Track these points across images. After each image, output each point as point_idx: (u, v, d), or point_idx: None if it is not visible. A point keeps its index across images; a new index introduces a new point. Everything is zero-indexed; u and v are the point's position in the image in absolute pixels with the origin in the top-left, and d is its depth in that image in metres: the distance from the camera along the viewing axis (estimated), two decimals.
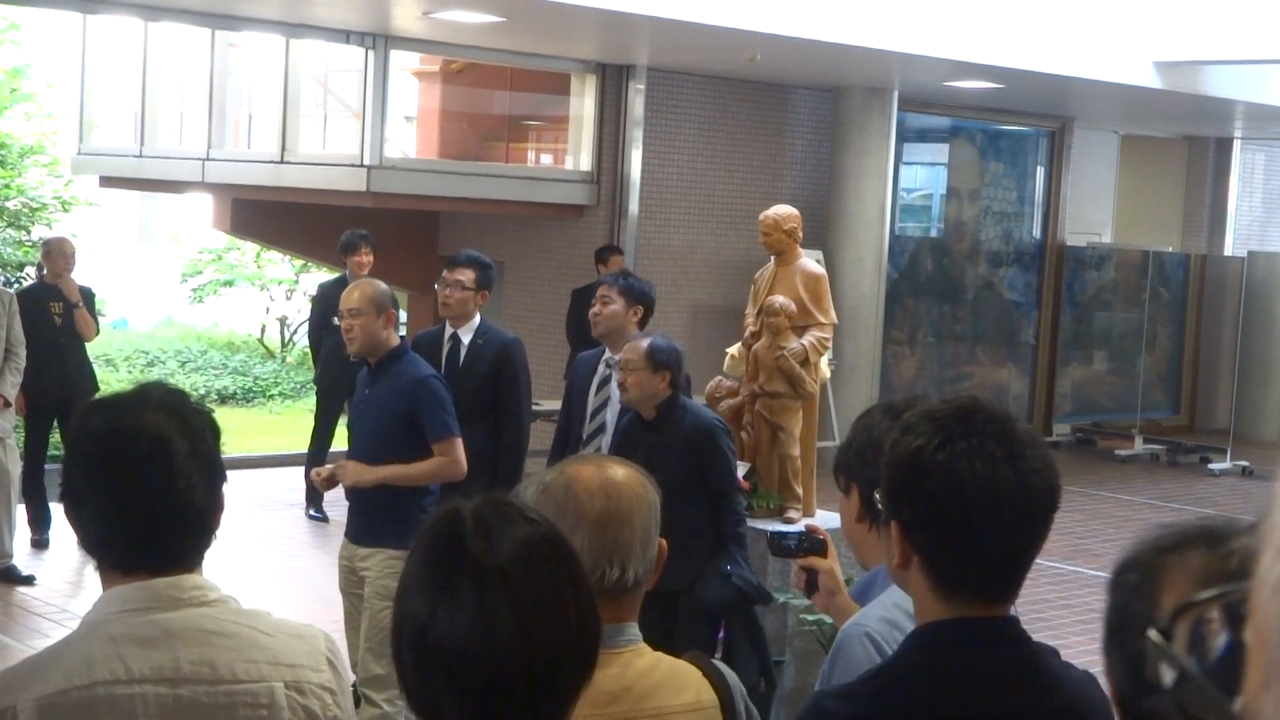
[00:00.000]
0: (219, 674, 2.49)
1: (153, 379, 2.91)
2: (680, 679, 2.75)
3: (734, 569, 6.94)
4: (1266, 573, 0.81)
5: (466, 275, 7.94)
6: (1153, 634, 1.09)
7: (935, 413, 2.48)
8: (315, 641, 2.64)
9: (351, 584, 6.80)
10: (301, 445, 13.05)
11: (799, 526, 7.38)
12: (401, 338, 6.95)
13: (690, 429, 6.97)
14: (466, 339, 8.02)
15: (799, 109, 16.48)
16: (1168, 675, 1.07)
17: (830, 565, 3.62)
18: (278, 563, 11.30)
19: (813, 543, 3.68)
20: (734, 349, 9.00)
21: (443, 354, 8.00)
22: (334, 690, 2.61)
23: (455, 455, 6.75)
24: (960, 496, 2.40)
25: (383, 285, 6.95)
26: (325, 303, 12.53)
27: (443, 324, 8.13)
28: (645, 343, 7.03)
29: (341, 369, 12.33)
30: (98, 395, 2.63)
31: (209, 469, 2.56)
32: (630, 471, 2.79)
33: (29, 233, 19.37)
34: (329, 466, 7.01)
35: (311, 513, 12.56)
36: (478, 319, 8.05)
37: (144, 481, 2.49)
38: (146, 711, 2.44)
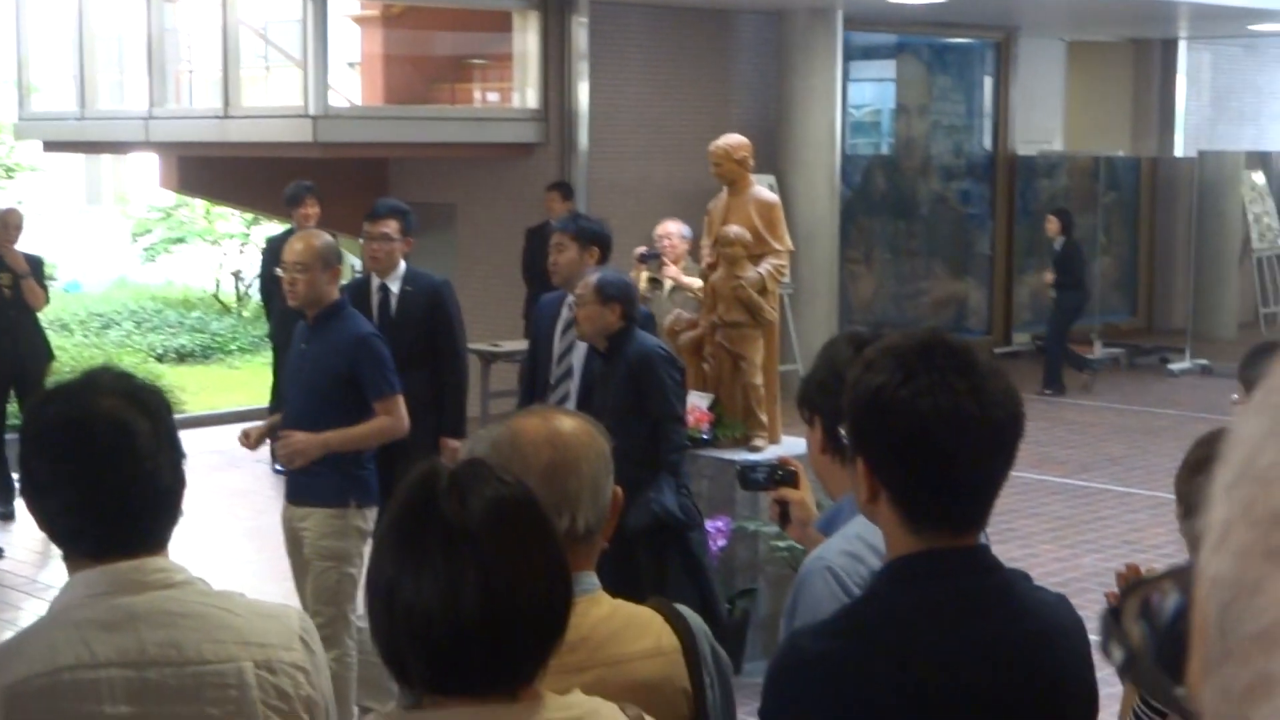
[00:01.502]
0: (185, 655, 2.47)
1: (100, 364, 2.86)
2: (639, 625, 2.75)
3: (655, 495, 6.91)
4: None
5: (391, 226, 7.96)
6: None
7: (896, 348, 2.47)
8: (288, 621, 2.63)
9: (294, 545, 6.74)
10: (263, 400, 13.03)
11: (768, 456, 7.40)
12: (341, 290, 6.85)
13: (631, 357, 7.00)
14: (395, 287, 8.02)
15: (744, 34, 16.39)
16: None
17: (802, 496, 3.60)
18: (243, 521, 11.28)
19: (784, 474, 3.66)
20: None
21: (373, 305, 7.98)
22: (307, 669, 2.59)
23: (399, 413, 6.69)
24: (924, 432, 2.39)
25: (328, 238, 6.87)
26: (274, 256, 12.44)
27: (367, 275, 8.11)
28: (595, 277, 7.07)
29: (293, 322, 12.29)
30: (48, 386, 2.59)
31: (171, 447, 2.55)
32: (578, 422, 2.78)
33: None
34: (257, 427, 6.88)
35: (277, 468, 12.52)
36: (403, 266, 8.06)
37: (110, 467, 2.47)
38: (112, 695, 2.42)
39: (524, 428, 2.73)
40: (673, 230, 10.52)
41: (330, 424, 6.57)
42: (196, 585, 2.56)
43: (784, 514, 3.63)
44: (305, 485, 6.65)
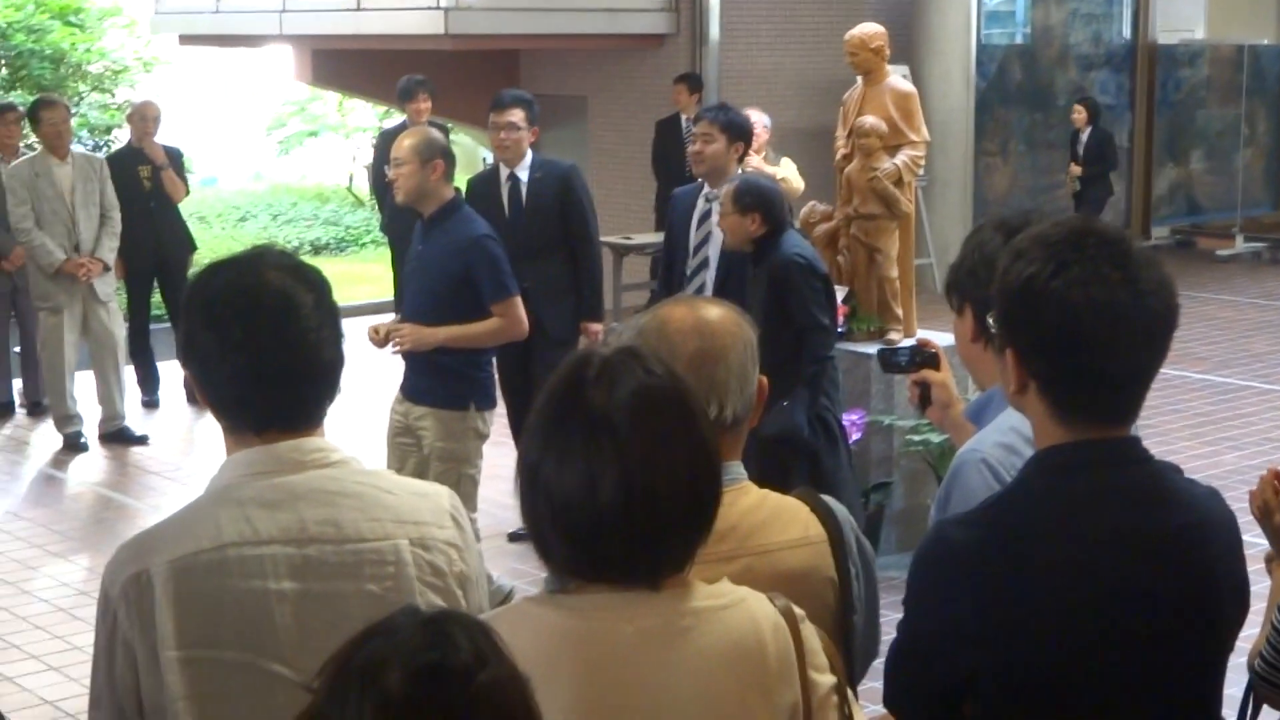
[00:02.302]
0: (344, 533, 2.50)
1: (264, 243, 2.88)
2: (787, 515, 2.74)
3: (788, 406, 6.77)
4: None
5: (517, 115, 7.90)
6: None
7: (1047, 237, 2.41)
8: (439, 499, 2.65)
9: (399, 435, 6.74)
10: (390, 293, 13.14)
11: (909, 341, 7.30)
12: (456, 190, 6.82)
13: (773, 265, 6.90)
14: (525, 176, 8.00)
15: None
16: None
17: (944, 378, 3.55)
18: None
19: (925, 356, 3.61)
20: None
21: (503, 194, 7.97)
22: (459, 546, 2.61)
23: (515, 315, 6.64)
24: (1076, 322, 2.35)
25: (431, 133, 6.80)
26: (386, 149, 12.48)
27: (497, 165, 8.09)
28: (732, 186, 6.98)
29: (407, 215, 12.35)
30: (215, 259, 2.61)
31: (333, 323, 2.56)
32: (725, 310, 2.77)
33: (113, 95, 19.43)
34: (385, 324, 6.89)
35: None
36: (529, 154, 8.02)
37: (276, 334, 2.48)
38: (275, 571, 2.46)
39: (671, 316, 2.72)
40: (754, 119, 10.42)
41: (447, 324, 6.55)
42: (352, 464, 2.58)
43: (924, 396, 3.57)
44: (424, 387, 6.65)
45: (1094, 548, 2.40)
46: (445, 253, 6.59)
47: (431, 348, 6.53)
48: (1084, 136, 15.43)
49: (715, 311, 2.74)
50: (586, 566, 2.19)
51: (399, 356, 6.72)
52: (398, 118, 12.78)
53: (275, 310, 2.49)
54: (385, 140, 12.68)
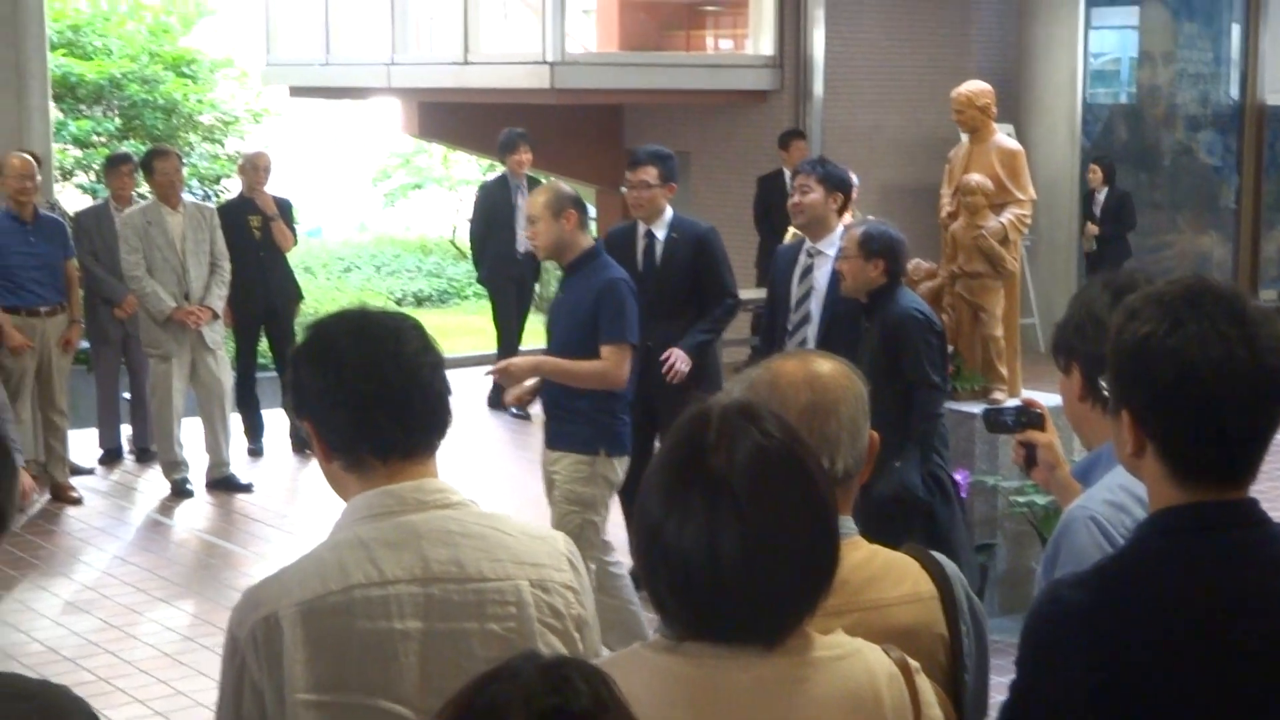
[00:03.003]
0: (467, 572, 2.54)
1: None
2: (898, 570, 2.74)
3: (900, 465, 6.69)
4: None
5: (650, 173, 7.87)
6: None
7: (1162, 296, 2.40)
8: (555, 543, 2.69)
9: (550, 488, 6.87)
10: (492, 345, 13.21)
11: (1015, 401, 7.24)
12: (595, 239, 6.92)
13: (888, 318, 6.85)
14: (661, 234, 7.97)
15: None
16: None
17: (1049, 439, 3.53)
18: (491, 464, 11.46)
19: (1030, 416, 3.59)
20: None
21: (638, 251, 7.98)
22: (576, 589, 2.66)
23: (619, 362, 6.63)
24: (1195, 382, 2.33)
25: (563, 187, 6.92)
26: (486, 202, 12.66)
27: (634, 221, 8.09)
28: (860, 229, 6.95)
29: (506, 267, 12.47)
30: (318, 317, 2.70)
31: (438, 358, 2.67)
32: (836, 364, 2.78)
33: (223, 145, 19.73)
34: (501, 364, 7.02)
35: (514, 410, 12.63)
36: (669, 212, 7.99)
37: (390, 360, 2.58)
38: (400, 611, 2.50)
39: (783, 370, 2.74)
40: None
41: None
42: (471, 506, 2.64)
43: (1030, 457, 3.55)
44: (560, 432, 6.76)
45: (1212, 611, 2.36)
46: (583, 298, 6.69)
47: (530, 373, 6.72)
48: (1100, 196, 15.20)
49: (826, 365, 2.76)
50: (703, 624, 2.20)
51: (539, 409, 6.91)
52: (500, 170, 12.90)
53: (385, 339, 2.59)
54: (485, 193, 12.84)
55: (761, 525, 2.12)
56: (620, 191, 8.24)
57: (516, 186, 12.49)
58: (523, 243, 12.38)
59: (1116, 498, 2.98)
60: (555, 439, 6.79)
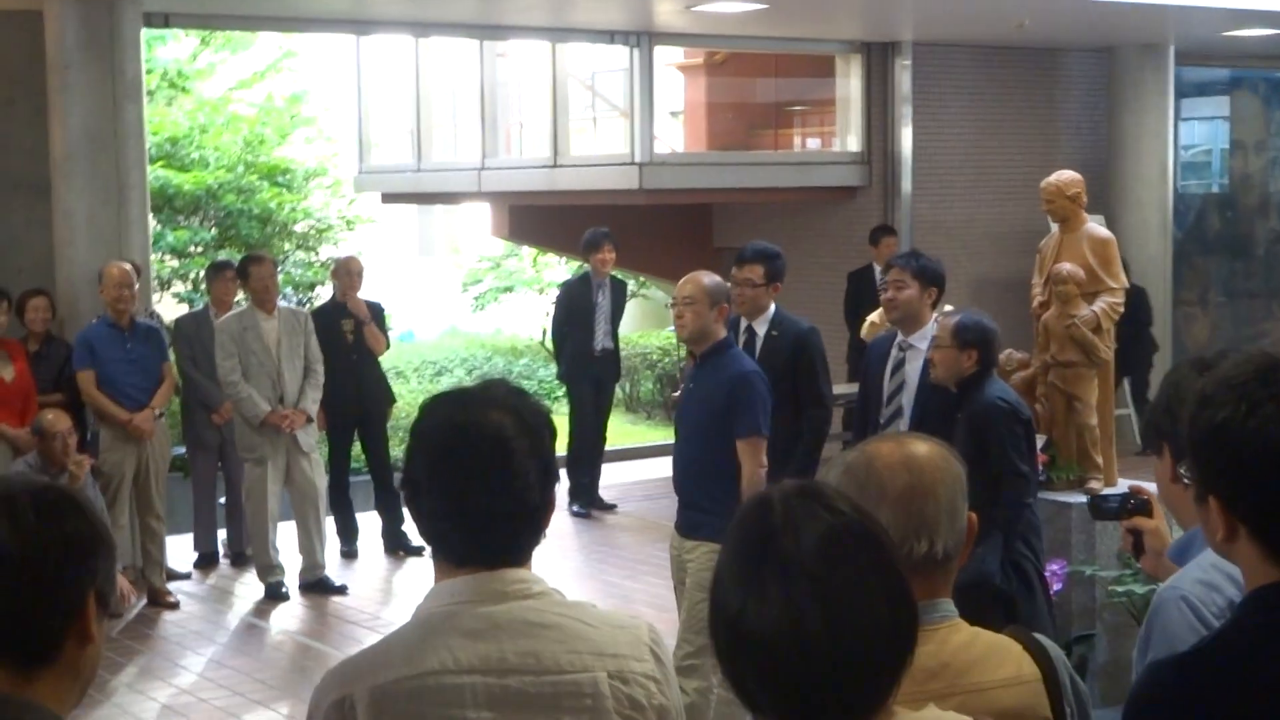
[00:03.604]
0: (544, 664, 2.53)
1: (498, 377, 2.96)
2: (1000, 653, 2.70)
3: (981, 553, 6.56)
4: None
5: (755, 272, 7.87)
6: None
7: (1233, 379, 2.36)
8: (638, 631, 2.66)
9: (680, 576, 6.86)
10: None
11: (1122, 488, 7.15)
12: (728, 330, 6.95)
13: (975, 408, 6.81)
14: (761, 330, 7.97)
15: (1071, 71, 16.10)
16: None
17: (1156, 525, 3.49)
18: (580, 565, 11.45)
19: (1137, 503, 3.56)
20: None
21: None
22: (658, 679, 2.62)
23: (757, 453, 6.69)
24: None
25: (717, 278, 6.93)
26: (569, 300, 12.77)
27: (737, 318, 8.07)
28: (955, 320, 6.93)
29: (585, 365, 12.53)
30: (446, 390, 2.69)
31: (545, 469, 2.61)
32: (932, 446, 2.75)
33: (317, 253, 19.96)
34: None
35: (574, 509, 12.72)
36: (772, 309, 7.99)
37: (484, 478, 2.54)
38: (475, 701, 2.49)
39: (879, 452, 2.72)
40: None
41: (716, 460, 6.68)
42: (553, 596, 2.62)
43: (1137, 544, 3.52)
44: (697, 521, 6.75)
45: None
46: (714, 388, 6.74)
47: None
48: None
49: (923, 447, 2.73)
50: (794, 709, 2.15)
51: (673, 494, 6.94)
52: (585, 269, 13.02)
53: (487, 453, 2.54)
54: (568, 291, 12.97)
55: (841, 600, 2.09)
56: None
57: (599, 285, 12.61)
58: (600, 341, 12.49)
59: (1209, 577, 2.93)
60: (692, 528, 6.77)
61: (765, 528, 2.14)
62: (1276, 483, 2.31)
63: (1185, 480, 2.60)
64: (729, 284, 7.00)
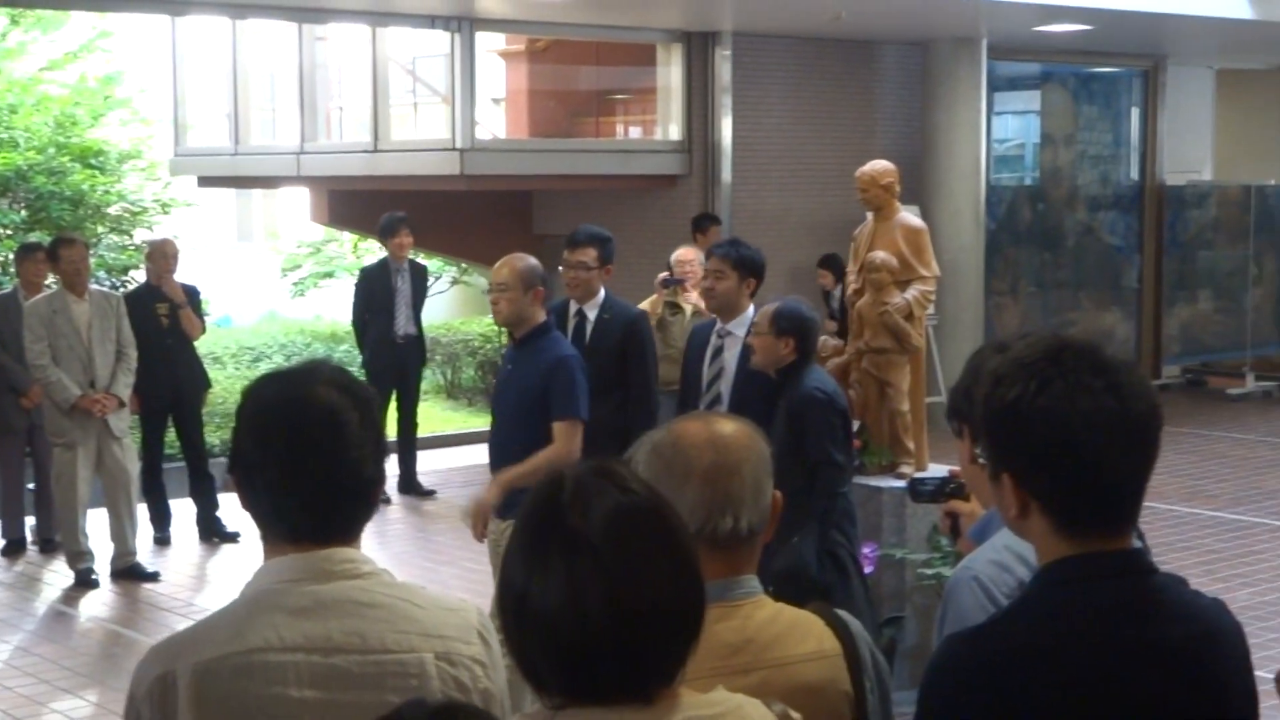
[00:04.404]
0: (369, 644, 2.53)
1: (321, 357, 2.94)
2: (802, 629, 2.75)
3: (799, 540, 6.66)
4: None
5: (589, 255, 7.86)
6: None
7: (1025, 358, 2.44)
8: (467, 615, 2.67)
9: (498, 559, 6.83)
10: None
11: (941, 471, 7.29)
12: (548, 313, 6.93)
13: (793, 398, 6.87)
14: (592, 315, 7.96)
15: (887, 64, 16.35)
16: None
17: (973, 509, 3.59)
18: (383, 547, 11.40)
19: (955, 486, 3.67)
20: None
21: (568, 330, 7.99)
22: (484, 663, 2.63)
23: (570, 439, 6.65)
24: (1069, 436, 2.37)
25: (532, 261, 6.89)
26: (368, 287, 12.72)
27: (566, 300, 8.08)
28: (773, 307, 6.98)
29: (389, 353, 12.45)
30: (271, 370, 2.67)
31: (376, 441, 2.62)
32: (738, 425, 2.80)
33: (131, 236, 19.60)
34: (467, 505, 6.93)
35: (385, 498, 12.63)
36: (602, 294, 7.99)
37: (317, 450, 2.54)
38: (298, 679, 2.49)
39: (685, 431, 2.76)
40: (692, 257, 10.60)
41: (533, 445, 6.63)
42: (382, 576, 2.62)
43: (954, 526, 3.62)
44: (513, 502, 6.64)
45: (1105, 661, 2.39)
46: (531, 372, 6.73)
47: (503, 492, 6.61)
48: (836, 293, 14.14)
49: (729, 426, 2.78)
50: (577, 686, 2.16)
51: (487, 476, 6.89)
52: (412, 258, 12.93)
53: (319, 426, 2.55)
54: (365, 278, 12.92)
55: (624, 577, 2.10)
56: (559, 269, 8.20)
57: (398, 269, 12.59)
58: (402, 327, 12.44)
59: (1000, 557, 3.03)
60: (507, 510, 6.68)
61: (554, 505, 2.15)
62: (1066, 459, 2.39)
63: (981, 461, 2.67)
64: (544, 268, 6.98)
